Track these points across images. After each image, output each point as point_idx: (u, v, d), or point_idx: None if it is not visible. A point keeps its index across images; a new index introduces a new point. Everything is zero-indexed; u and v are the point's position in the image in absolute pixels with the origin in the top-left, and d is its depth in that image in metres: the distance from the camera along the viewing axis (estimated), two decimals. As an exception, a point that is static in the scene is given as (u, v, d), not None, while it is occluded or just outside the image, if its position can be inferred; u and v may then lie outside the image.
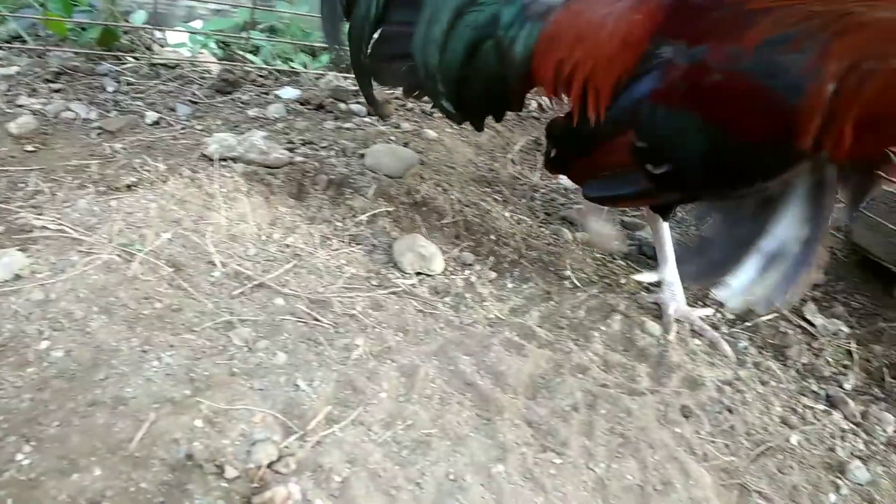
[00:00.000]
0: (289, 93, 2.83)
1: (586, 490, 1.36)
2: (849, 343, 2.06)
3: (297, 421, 1.34)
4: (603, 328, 1.86)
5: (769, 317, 2.06)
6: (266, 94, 2.80)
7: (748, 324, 2.03)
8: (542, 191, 2.54)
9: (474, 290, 1.92)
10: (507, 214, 2.30)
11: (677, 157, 1.52)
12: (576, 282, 2.04)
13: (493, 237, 2.15)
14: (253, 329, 1.55)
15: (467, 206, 2.25)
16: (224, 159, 2.16)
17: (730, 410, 1.68)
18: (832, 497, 1.56)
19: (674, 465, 1.46)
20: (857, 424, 1.77)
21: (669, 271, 1.93)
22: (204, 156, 2.16)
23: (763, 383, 1.83)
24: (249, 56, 3.12)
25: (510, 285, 1.99)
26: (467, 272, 1.99)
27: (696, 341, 1.92)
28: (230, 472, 1.19)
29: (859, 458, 1.66)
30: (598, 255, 2.23)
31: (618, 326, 1.88)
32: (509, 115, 3.12)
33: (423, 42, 1.84)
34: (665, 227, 1.89)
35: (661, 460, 1.47)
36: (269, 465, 1.22)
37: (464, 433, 1.40)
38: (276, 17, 3.44)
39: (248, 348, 1.50)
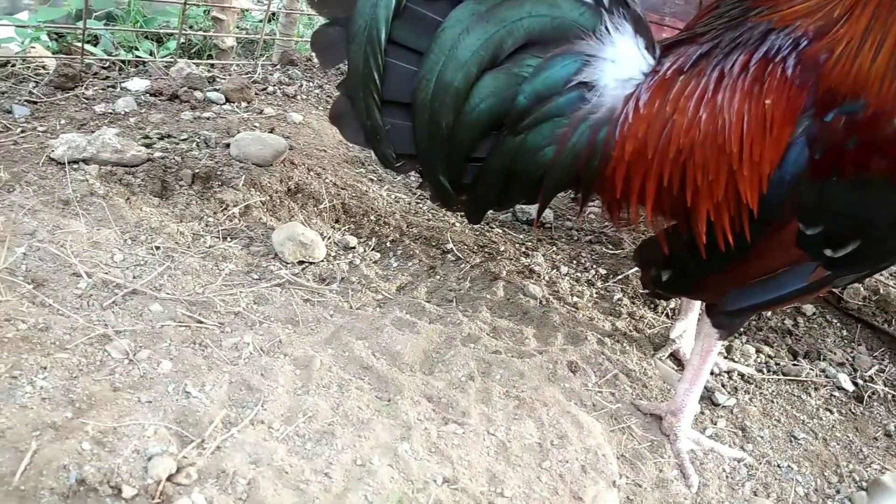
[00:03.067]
0: (137, 84, 2.67)
1: (490, 455, 1.41)
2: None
3: (192, 429, 1.29)
4: (488, 296, 1.92)
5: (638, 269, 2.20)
6: (113, 87, 2.62)
7: (620, 277, 2.16)
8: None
9: (360, 272, 1.91)
10: (384, 193, 2.30)
11: (866, 228, 1.28)
12: (458, 254, 2.08)
13: (372, 218, 2.14)
14: (131, 339, 1.47)
15: (343, 188, 2.23)
16: (75, 161, 2.01)
17: (611, 361, 1.79)
18: (710, 430, 1.70)
19: (567, 419, 1.54)
20: (724, 357, 1.93)
21: (695, 397, 1.63)
22: (52, 159, 2.00)
23: (638, 331, 1.96)
24: (89, 47, 2.90)
25: (395, 264, 2.00)
26: (351, 255, 1.98)
27: (576, 297, 2.02)
28: (128, 492, 1.13)
29: (726, 387, 1.83)
30: (475, 227, 2.28)
31: (502, 293, 1.94)
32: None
33: (433, 85, 1.40)
34: (718, 347, 1.61)
35: (556, 416, 1.54)
36: (169, 478, 1.17)
37: (366, 417, 1.40)
38: (113, 2, 3.21)
39: (128, 360, 1.42)
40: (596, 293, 2.08)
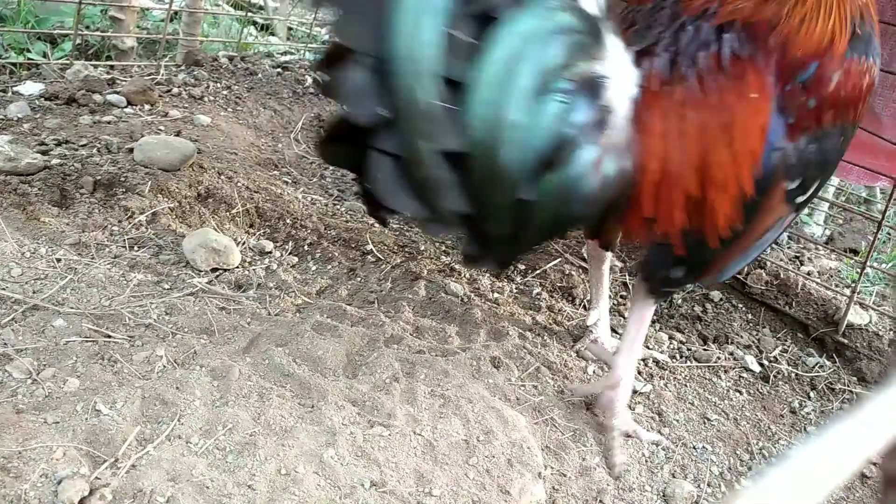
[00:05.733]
0: (31, 88, 2.52)
1: (417, 455, 1.40)
2: (624, 276, 2.31)
3: (105, 448, 1.23)
4: (410, 296, 1.91)
5: (555, 262, 2.24)
6: (3, 91, 2.47)
7: (538, 271, 2.20)
8: (332, 168, 2.52)
9: (277, 277, 1.87)
10: (299, 196, 2.26)
11: (825, 168, 1.50)
12: (378, 255, 2.06)
13: (288, 221, 2.10)
14: (34, 358, 1.39)
15: (256, 192, 2.18)
16: (-37, 171, 1.88)
17: (532, 354, 1.81)
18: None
19: (492, 414, 1.55)
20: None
21: (632, 367, 1.66)
22: (-64, 169, 1.87)
23: (558, 324, 2.00)
24: (-26, 49, 2.73)
25: (314, 267, 1.96)
26: (267, 260, 1.93)
27: (496, 294, 2.04)
28: (35, 521, 1.07)
29: (643, 374, 1.89)
30: (395, 226, 2.27)
31: (424, 292, 1.94)
32: (285, 93, 3.06)
33: (493, 110, 1.09)
34: (651, 311, 1.65)
35: (481, 412, 1.55)
36: (82, 501, 1.12)
37: (289, 425, 1.37)
38: (2, 2, 3.03)
39: (31, 380, 1.34)
40: (516, 288, 2.10)
